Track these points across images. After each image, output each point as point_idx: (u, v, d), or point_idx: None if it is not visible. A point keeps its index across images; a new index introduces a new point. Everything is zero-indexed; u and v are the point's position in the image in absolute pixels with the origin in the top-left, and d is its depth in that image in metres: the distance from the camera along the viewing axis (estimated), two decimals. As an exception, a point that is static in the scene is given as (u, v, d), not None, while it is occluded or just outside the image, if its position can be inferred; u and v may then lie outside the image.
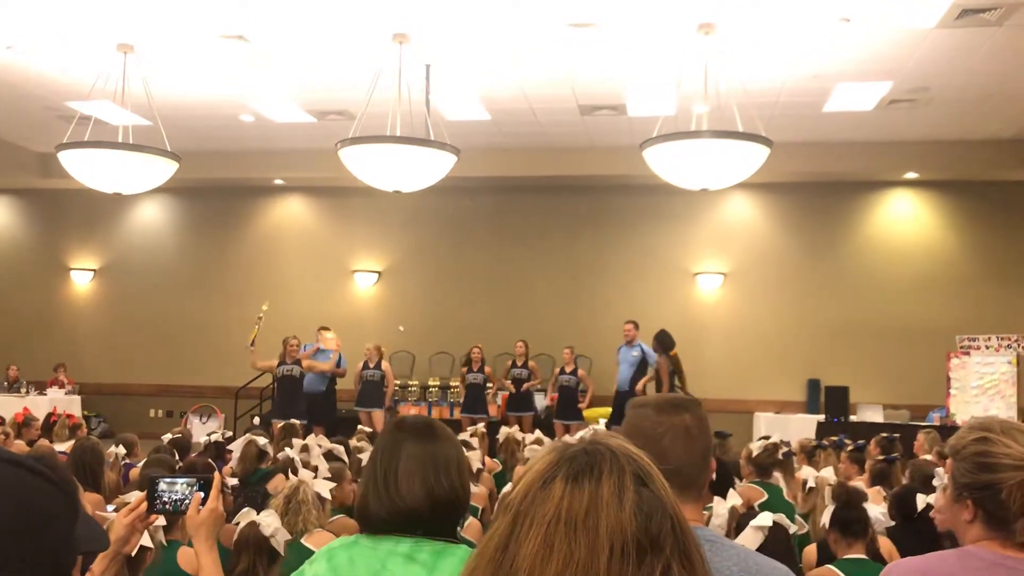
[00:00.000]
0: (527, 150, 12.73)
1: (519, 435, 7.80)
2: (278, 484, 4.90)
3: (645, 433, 1.80)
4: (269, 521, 2.88)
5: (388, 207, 13.45)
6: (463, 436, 7.30)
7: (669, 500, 0.96)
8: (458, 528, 2.05)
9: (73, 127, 9.68)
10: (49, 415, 8.86)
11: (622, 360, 11.77)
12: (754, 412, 12.80)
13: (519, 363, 12.04)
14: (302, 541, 3.53)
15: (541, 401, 12.40)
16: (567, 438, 3.56)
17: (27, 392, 12.87)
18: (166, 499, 2.18)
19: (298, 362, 11.53)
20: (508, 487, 1.02)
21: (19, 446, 7.12)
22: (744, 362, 13.38)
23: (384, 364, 12.05)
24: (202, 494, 2.19)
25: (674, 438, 1.78)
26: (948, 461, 1.88)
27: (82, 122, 10.05)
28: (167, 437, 7.14)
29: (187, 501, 2.17)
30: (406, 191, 9.28)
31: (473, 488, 5.28)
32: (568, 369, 11.82)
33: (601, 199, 13.80)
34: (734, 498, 3.84)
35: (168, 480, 2.20)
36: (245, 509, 2.98)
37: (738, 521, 3.75)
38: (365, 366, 11.85)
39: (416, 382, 13.21)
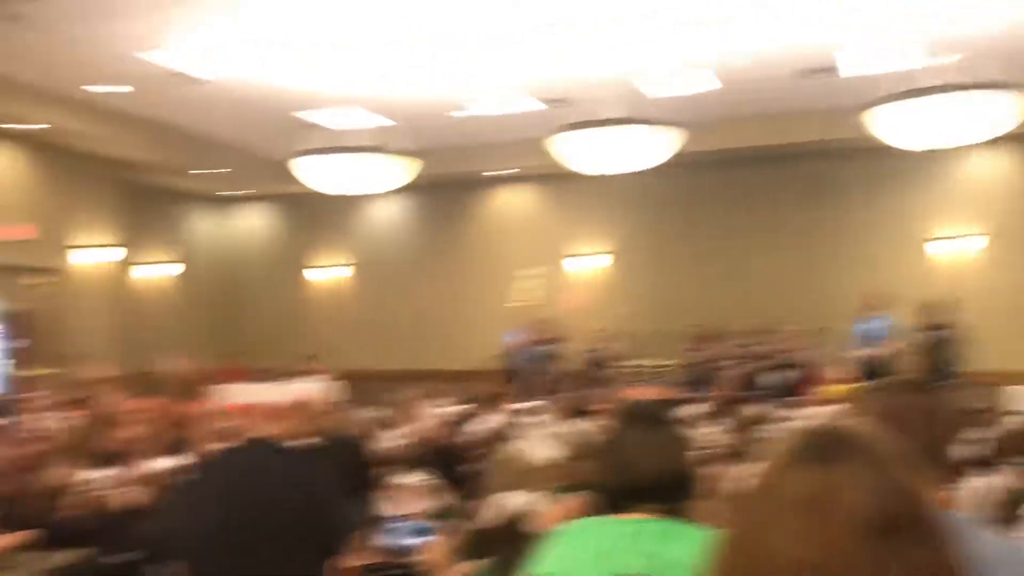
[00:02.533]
0: (752, 119, 12.31)
1: (758, 413, 7.57)
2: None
3: (887, 413, 1.75)
4: (518, 501, 2.99)
5: (608, 190, 13.52)
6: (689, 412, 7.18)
7: (909, 482, 0.96)
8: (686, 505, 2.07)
9: (308, 133, 10.31)
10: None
11: (862, 334, 11.19)
12: (1011, 385, 11.77)
13: (749, 340, 11.73)
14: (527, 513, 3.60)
15: (777, 380, 11.99)
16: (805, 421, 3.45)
17: (290, 380, 13.97)
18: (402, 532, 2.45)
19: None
20: (750, 469, 1.02)
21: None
22: (997, 331, 12.33)
23: (605, 344, 12.13)
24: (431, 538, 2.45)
25: (916, 418, 1.72)
26: None
27: (314, 129, 10.68)
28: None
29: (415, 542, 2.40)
30: (627, 173, 9.26)
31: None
32: (793, 347, 11.37)
33: (833, 165, 13.15)
34: (994, 478, 3.58)
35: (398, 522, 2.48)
36: (494, 496, 3.09)
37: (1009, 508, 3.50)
38: (592, 348, 11.97)
39: (645, 362, 13.22)
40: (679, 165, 11.52)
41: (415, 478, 2.95)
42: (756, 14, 8.43)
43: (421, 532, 2.46)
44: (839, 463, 0.94)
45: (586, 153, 8.81)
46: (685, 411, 6.86)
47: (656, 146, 8.63)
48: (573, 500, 4.27)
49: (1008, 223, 12.62)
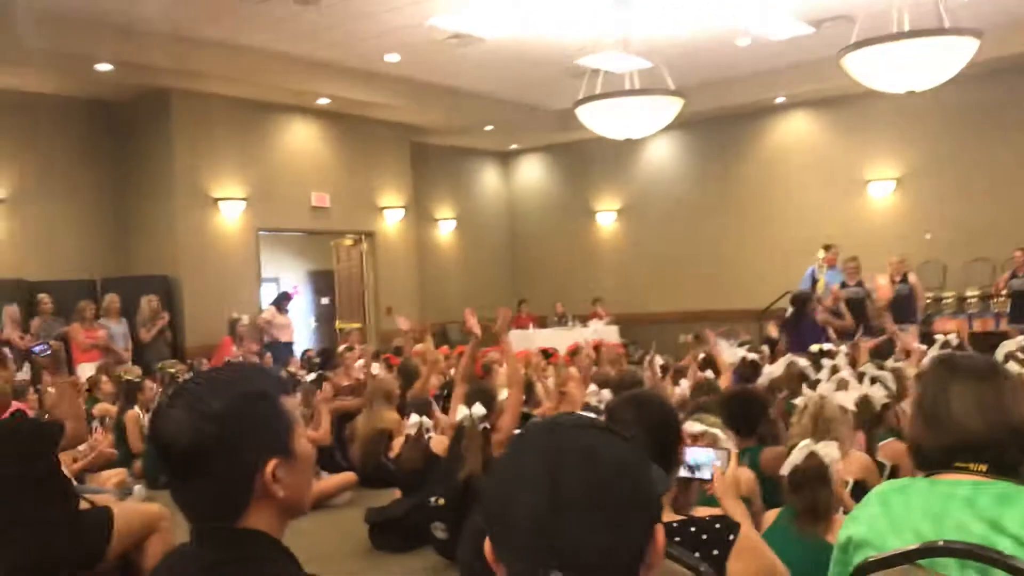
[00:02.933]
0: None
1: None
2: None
3: None
4: (829, 452, 2.88)
5: (902, 108, 12.44)
6: (1005, 348, 6.53)
7: None
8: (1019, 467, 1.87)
9: (585, 82, 10.45)
10: (598, 345, 9.79)
11: None
12: None
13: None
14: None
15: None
16: None
17: (573, 325, 14.39)
18: (688, 464, 2.43)
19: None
20: None
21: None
22: None
23: (911, 277, 11.25)
24: (719, 464, 2.43)
25: None
26: None
27: (592, 75, 10.80)
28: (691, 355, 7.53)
29: (706, 470, 2.43)
30: (920, 90, 8.50)
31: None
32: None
33: None
34: None
35: (688, 449, 2.45)
36: (805, 441, 3.00)
37: None
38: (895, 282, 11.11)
39: (951, 293, 12.19)
40: (975, 75, 10.39)
41: (705, 425, 2.89)
42: None
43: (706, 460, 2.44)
44: None
45: (874, 72, 8.16)
46: (1009, 346, 6.25)
47: (953, 57, 7.81)
48: (894, 445, 4.03)
49: None
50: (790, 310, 9.91)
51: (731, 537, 2.17)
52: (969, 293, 12.00)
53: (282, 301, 12.34)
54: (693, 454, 2.46)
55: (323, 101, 12.73)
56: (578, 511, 1.01)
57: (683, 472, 2.43)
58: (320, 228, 13.90)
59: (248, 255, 12.55)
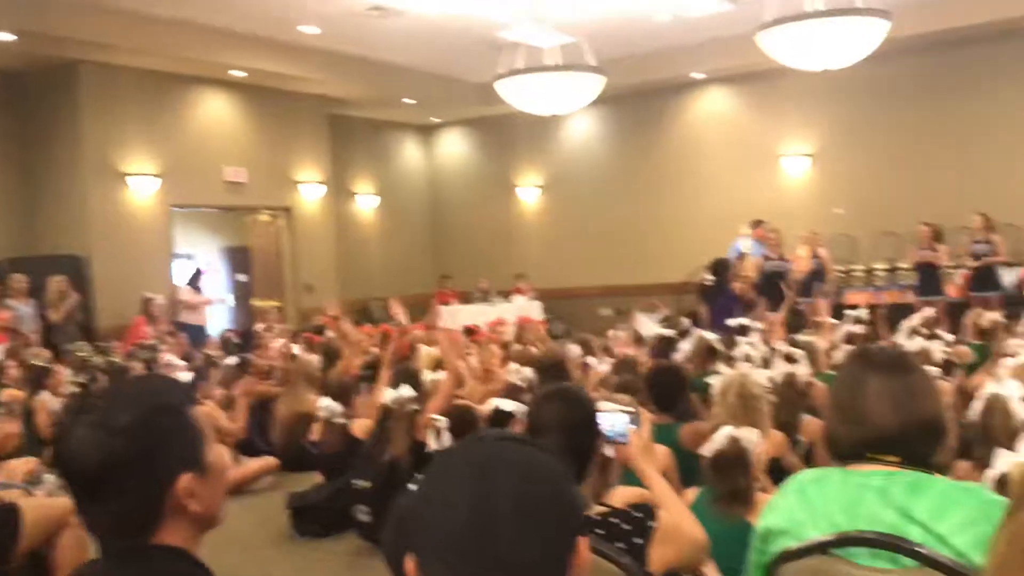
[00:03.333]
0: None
1: (994, 317, 7.01)
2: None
3: None
4: (749, 437, 2.94)
5: (816, 85, 12.69)
6: (911, 322, 6.76)
7: None
8: (934, 455, 1.93)
9: (506, 56, 10.37)
10: (522, 322, 9.82)
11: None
12: None
13: (978, 237, 10.84)
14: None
15: (1010, 278, 11.07)
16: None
17: (496, 301, 14.40)
18: (604, 430, 2.44)
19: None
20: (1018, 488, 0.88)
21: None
22: None
23: (821, 251, 11.56)
24: (634, 426, 2.44)
25: None
26: None
27: (513, 50, 10.72)
28: (616, 334, 7.62)
29: (623, 432, 2.43)
30: (834, 68, 8.69)
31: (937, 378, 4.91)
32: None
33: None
34: None
35: (599, 417, 2.44)
36: (726, 427, 3.04)
37: None
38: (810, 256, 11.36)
39: (861, 266, 12.56)
40: (888, 53, 10.67)
41: (620, 403, 2.92)
42: None
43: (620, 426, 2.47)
44: None
45: (791, 48, 8.30)
46: (913, 321, 6.45)
47: (865, 36, 8.00)
48: (810, 424, 4.13)
49: None
50: (710, 278, 10.04)
51: (651, 524, 2.21)
52: (877, 266, 12.37)
53: (196, 279, 12.05)
54: (608, 419, 2.48)
55: (238, 73, 12.40)
56: (507, 524, 1.01)
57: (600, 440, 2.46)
58: (236, 204, 13.59)
59: (161, 232, 12.21)
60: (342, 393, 5.57)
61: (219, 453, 1.49)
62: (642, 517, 2.22)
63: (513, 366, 5.77)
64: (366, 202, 16.50)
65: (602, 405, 2.56)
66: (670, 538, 2.22)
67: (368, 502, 4.66)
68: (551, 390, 2.43)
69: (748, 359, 5.46)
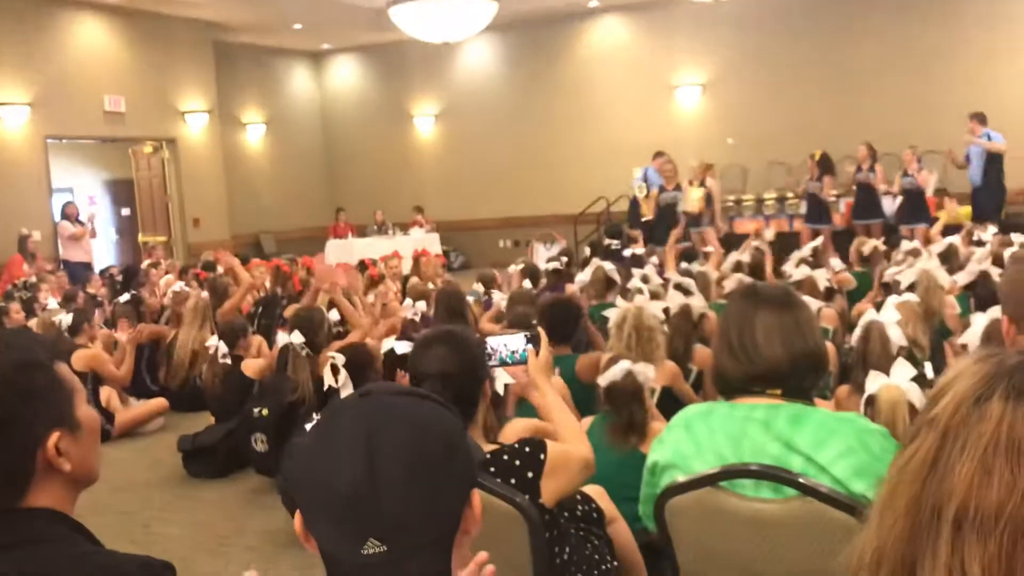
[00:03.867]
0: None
1: (873, 243, 7.27)
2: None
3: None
4: (643, 370, 2.98)
5: (708, 15, 12.81)
6: (801, 252, 6.96)
7: None
8: (815, 387, 2.00)
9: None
10: (418, 255, 9.71)
11: (971, 155, 10.58)
12: None
13: (864, 167, 11.20)
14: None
15: (890, 205, 11.50)
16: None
17: (393, 233, 14.24)
18: (502, 354, 2.48)
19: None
20: (929, 398, 0.90)
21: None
22: None
23: (708, 181, 11.73)
24: (531, 346, 2.49)
25: None
26: None
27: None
28: (513, 267, 7.60)
29: (521, 352, 2.47)
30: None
31: (821, 305, 5.09)
32: (911, 170, 10.82)
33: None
34: None
35: (496, 340, 2.49)
36: (621, 361, 3.08)
37: None
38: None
39: (751, 196, 12.85)
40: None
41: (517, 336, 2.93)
42: None
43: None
44: None
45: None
46: (803, 252, 6.64)
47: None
48: (701, 352, 4.21)
49: None
50: (614, 242, 10.07)
51: (542, 456, 2.23)
52: (767, 196, 12.68)
53: (74, 213, 11.47)
54: (505, 341, 2.50)
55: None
56: (397, 481, 1.00)
57: (496, 361, 2.49)
58: (116, 135, 12.97)
59: (36, 165, 11.57)
60: (232, 332, 5.43)
61: (90, 410, 1.41)
62: (532, 451, 2.24)
63: (408, 301, 5.72)
64: (255, 132, 15.98)
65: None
66: (561, 468, 2.25)
67: (266, 431, 4.59)
68: (431, 334, 2.39)
69: (642, 290, 5.53)
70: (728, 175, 12.90)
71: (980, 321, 3.00)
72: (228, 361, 5.24)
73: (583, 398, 3.82)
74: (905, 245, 6.96)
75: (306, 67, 17.18)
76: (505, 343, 2.48)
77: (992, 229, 7.65)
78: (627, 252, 7.67)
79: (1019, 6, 11.99)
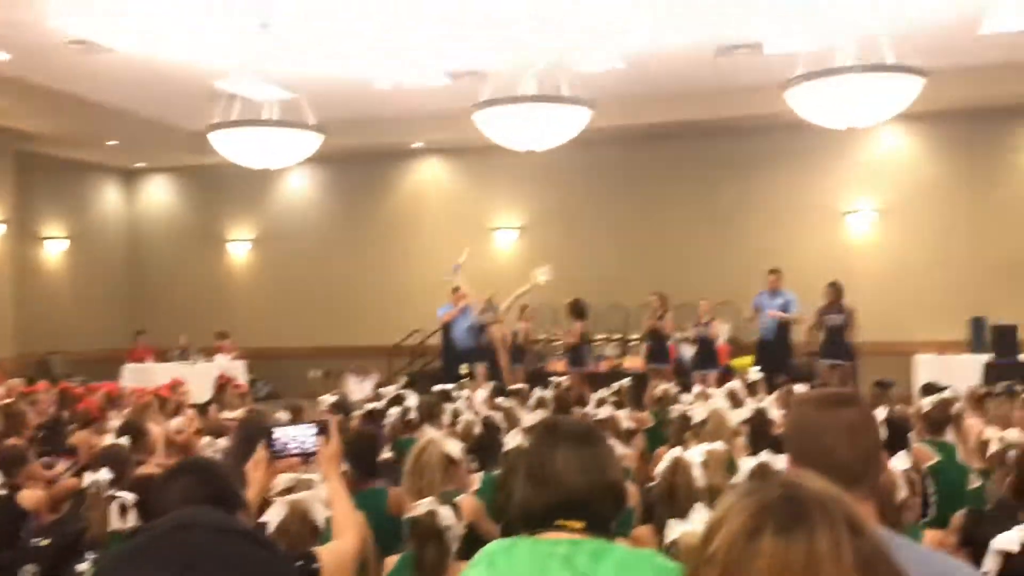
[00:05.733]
0: (662, 96, 12.45)
1: (664, 387, 7.65)
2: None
3: (807, 430, 1.75)
4: (447, 515, 2.94)
5: (526, 163, 13.38)
6: (599, 395, 7.20)
7: (886, 546, 0.92)
8: (617, 520, 2.06)
9: (222, 106, 10.07)
10: (222, 383, 9.36)
11: (765, 308, 11.46)
12: (914, 354, 12.24)
13: (659, 315, 11.84)
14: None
15: (685, 352, 12.20)
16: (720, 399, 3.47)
17: (196, 360, 13.65)
18: (291, 445, 2.46)
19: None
20: (703, 534, 0.93)
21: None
22: (901, 302, 12.81)
23: (519, 324, 12.07)
24: (322, 436, 2.50)
25: (837, 434, 1.72)
26: None
27: (229, 100, 10.42)
28: (325, 399, 7.39)
29: (309, 443, 2.46)
30: (540, 150, 9.26)
31: (624, 448, 5.26)
32: (704, 320, 11.59)
33: (740, 141, 13.40)
34: (904, 461, 3.66)
35: (281, 429, 2.47)
36: (428, 499, 3.04)
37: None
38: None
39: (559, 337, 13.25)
40: (590, 140, 11.60)
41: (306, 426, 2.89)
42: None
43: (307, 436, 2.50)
44: (814, 532, 0.88)
45: (502, 128, 8.78)
46: (602, 392, 6.88)
47: (568, 123, 8.65)
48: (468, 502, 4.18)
49: (898, 199, 13.08)
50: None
51: (315, 566, 2.23)
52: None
53: None
54: (294, 433, 2.44)
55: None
56: None
57: (290, 450, 2.43)
58: None
59: None
60: (9, 460, 4.97)
61: None
62: (304, 565, 2.24)
63: (206, 439, 5.44)
64: (55, 247, 15.15)
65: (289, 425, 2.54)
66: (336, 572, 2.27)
67: (41, 562, 4.16)
68: (176, 466, 2.29)
69: (454, 423, 5.55)
70: (541, 314, 13.31)
71: (749, 464, 3.22)
72: (4, 491, 4.77)
73: (395, 533, 3.73)
74: (696, 389, 7.43)
75: (117, 184, 16.62)
76: (294, 435, 2.46)
77: (757, 373, 8.24)
78: (436, 387, 7.66)
79: (799, 177, 13.32)
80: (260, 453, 2.40)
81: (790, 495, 0.92)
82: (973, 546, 3.15)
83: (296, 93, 9.79)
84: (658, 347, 11.65)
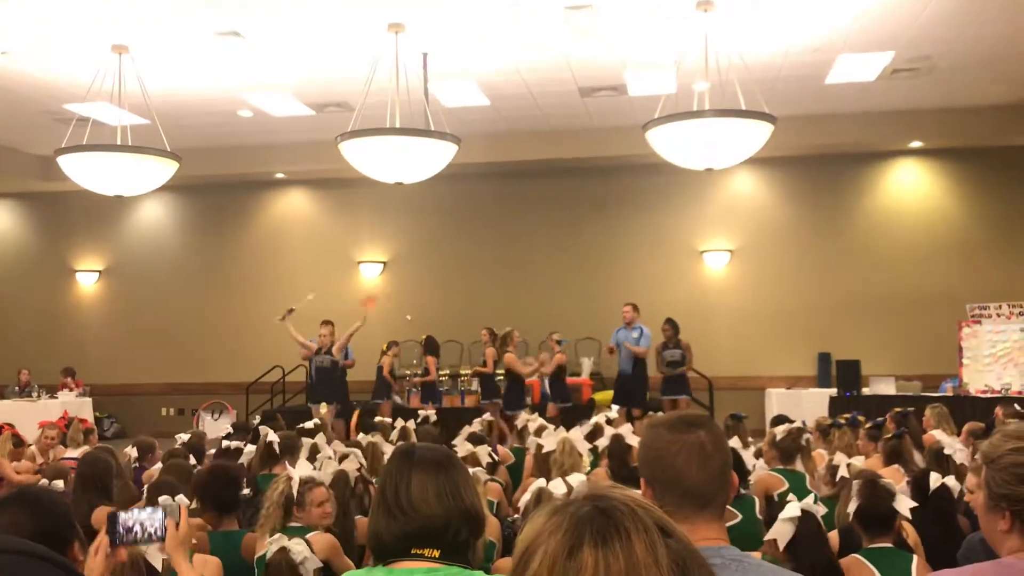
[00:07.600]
0: (528, 134, 12.65)
1: (526, 419, 7.68)
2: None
3: (659, 453, 1.76)
4: (299, 550, 2.83)
5: (391, 197, 13.35)
6: (472, 428, 7.20)
7: (693, 545, 0.93)
8: (472, 547, 2.01)
9: (72, 129, 9.63)
10: (69, 420, 8.84)
11: (622, 343, 11.66)
12: (765, 388, 12.76)
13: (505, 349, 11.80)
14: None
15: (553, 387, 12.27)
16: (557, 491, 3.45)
17: (39, 396, 12.86)
18: (135, 531, 2.25)
19: (330, 351, 11.19)
20: (518, 559, 0.89)
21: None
22: (753, 338, 13.34)
23: (383, 359, 11.85)
24: (170, 519, 2.33)
25: (688, 456, 1.74)
26: (983, 469, 1.84)
27: (80, 124, 9.98)
28: (180, 437, 7.06)
29: (157, 529, 2.28)
30: (408, 182, 9.22)
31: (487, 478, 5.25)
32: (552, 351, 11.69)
33: (604, 181, 13.73)
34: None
35: (127, 513, 2.27)
36: (277, 535, 2.92)
37: (767, 512, 3.70)
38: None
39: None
40: (458, 175, 11.68)
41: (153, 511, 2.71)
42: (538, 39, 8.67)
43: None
44: (630, 540, 0.89)
45: (369, 160, 8.69)
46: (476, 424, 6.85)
47: (435, 157, 8.65)
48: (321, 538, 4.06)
49: (750, 239, 13.66)
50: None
51: None
52: (442, 372, 13.03)
53: None
54: (139, 519, 2.26)
55: None
56: None
57: (134, 537, 2.25)
58: None
59: None
60: None
61: None
62: None
63: (43, 481, 5.10)
64: None
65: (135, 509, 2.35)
66: None
67: None
68: (7, 496, 2.13)
69: (313, 458, 5.40)
70: (406, 350, 13.16)
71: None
72: None
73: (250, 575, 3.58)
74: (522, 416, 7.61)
75: (-48, 209, 15.57)
76: (140, 521, 2.25)
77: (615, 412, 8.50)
78: (300, 426, 7.45)
79: (660, 216, 13.74)
80: (101, 538, 2.19)
81: (602, 507, 0.93)
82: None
83: (152, 118, 9.44)
84: (488, 383, 11.64)
